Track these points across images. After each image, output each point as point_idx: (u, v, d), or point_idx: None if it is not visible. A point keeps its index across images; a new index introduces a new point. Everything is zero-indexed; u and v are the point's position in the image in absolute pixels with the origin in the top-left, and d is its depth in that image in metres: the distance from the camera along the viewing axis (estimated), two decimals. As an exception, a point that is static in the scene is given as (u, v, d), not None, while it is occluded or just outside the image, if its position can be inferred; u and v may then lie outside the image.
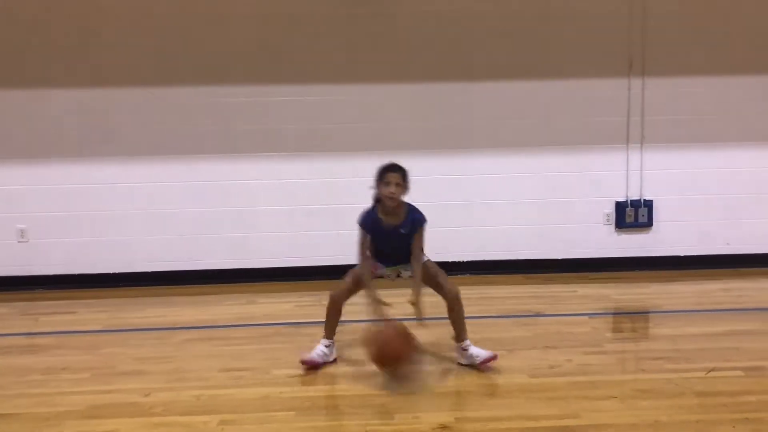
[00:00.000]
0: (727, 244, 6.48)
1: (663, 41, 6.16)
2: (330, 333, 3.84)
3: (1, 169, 6.10)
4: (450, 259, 5.91)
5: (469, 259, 6.37)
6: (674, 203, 6.42)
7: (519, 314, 5.05)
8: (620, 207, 6.38)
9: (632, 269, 6.36)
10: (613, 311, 5.31)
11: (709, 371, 3.77)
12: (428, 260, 3.80)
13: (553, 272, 6.30)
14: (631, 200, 6.38)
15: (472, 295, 5.12)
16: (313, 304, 5.11)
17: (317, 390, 3.62)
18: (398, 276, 3.85)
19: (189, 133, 6.14)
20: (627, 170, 6.37)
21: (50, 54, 5.96)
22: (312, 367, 3.77)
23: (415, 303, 3.60)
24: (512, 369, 3.84)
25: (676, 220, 6.44)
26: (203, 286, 6.10)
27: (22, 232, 6.18)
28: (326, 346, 3.84)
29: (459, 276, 5.96)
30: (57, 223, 6.17)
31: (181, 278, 6.20)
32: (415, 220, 3.71)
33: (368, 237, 3.72)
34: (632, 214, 6.38)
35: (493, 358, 3.75)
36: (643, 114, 6.30)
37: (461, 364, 3.83)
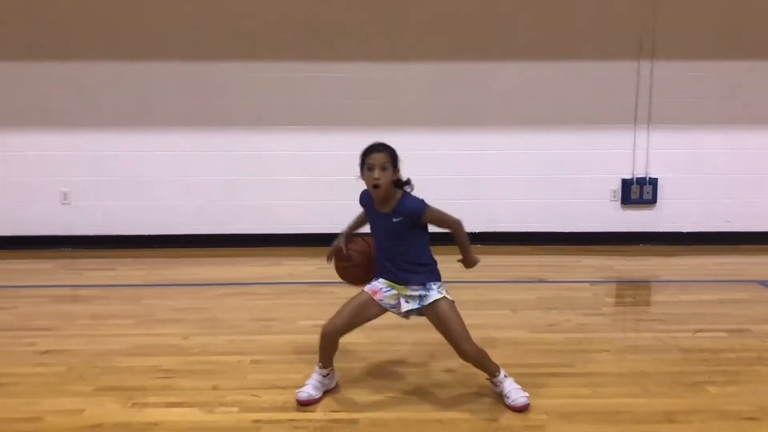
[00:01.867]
0: (728, 222, 6.74)
1: (672, 25, 6.39)
2: (327, 362, 3.10)
3: (46, 137, 6.49)
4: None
5: (481, 230, 6.66)
6: (678, 182, 6.69)
7: (524, 280, 5.37)
8: (626, 184, 6.65)
9: (636, 243, 6.66)
10: (614, 280, 5.60)
11: (696, 332, 4.08)
12: (443, 302, 2.96)
13: (560, 245, 6.61)
14: (636, 178, 6.65)
15: (483, 263, 5.43)
16: (333, 268, 5.46)
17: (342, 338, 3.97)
18: (400, 305, 3.01)
19: (220, 105, 6.49)
20: (634, 149, 6.63)
21: (92, 29, 6.31)
22: (311, 403, 3.02)
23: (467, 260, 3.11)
24: (514, 326, 4.17)
25: (680, 198, 6.71)
26: (231, 249, 6.48)
27: (64, 195, 6.58)
28: (324, 376, 3.10)
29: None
30: (97, 187, 6.57)
31: (211, 241, 6.59)
32: (410, 210, 2.96)
33: (363, 215, 3.22)
34: (637, 191, 6.65)
35: (526, 408, 2.96)
36: (651, 95, 6.54)
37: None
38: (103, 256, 6.30)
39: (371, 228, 3.14)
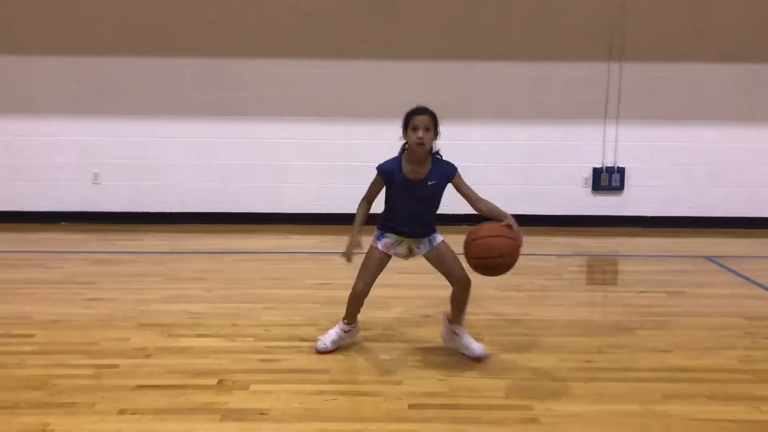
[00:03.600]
0: (689, 207, 7.35)
1: (639, 31, 6.97)
2: (351, 318, 3.39)
3: (79, 123, 7.10)
4: (449, 212, 6.85)
5: (467, 212, 7.26)
6: (643, 171, 7.29)
7: (501, 252, 5.99)
8: (596, 172, 7.26)
9: (605, 226, 7.26)
10: (579, 254, 6.22)
11: (640, 292, 4.71)
12: (444, 242, 3.32)
13: (537, 226, 7.21)
14: (606, 167, 7.26)
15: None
16: (334, 241, 6.10)
17: (341, 293, 4.59)
18: (410, 253, 3.33)
19: (234, 97, 7.10)
20: (603, 141, 7.23)
21: (123, 28, 6.92)
22: (327, 353, 3.35)
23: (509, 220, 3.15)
24: (484, 286, 4.77)
25: (645, 185, 7.31)
26: (244, 225, 7.10)
27: (95, 176, 7.21)
28: (345, 331, 3.40)
29: (456, 226, 6.88)
30: (124, 169, 7.19)
31: (225, 218, 7.21)
32: (444, 170, 3.19)
33: (381, 184, 3.24)
34: (607, 179, 7.26)
35: (483, 358, 3.30)
36: (619, 93, 7.14)
37: (443, 340, 3.49)
38: (129, 230, 6.91)
39: (397, 196, 3.22)
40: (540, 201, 7.31)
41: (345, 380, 3.14)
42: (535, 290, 4.76)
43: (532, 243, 6.53)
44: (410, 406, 2.86)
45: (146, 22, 6.91)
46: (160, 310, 4.17)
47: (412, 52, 7.02)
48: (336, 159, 7.21)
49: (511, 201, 7.22)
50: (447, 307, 3.46)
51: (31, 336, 3.66)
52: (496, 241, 3.01)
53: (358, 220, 3.27)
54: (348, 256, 3.24)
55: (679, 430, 2.69)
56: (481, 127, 7.20)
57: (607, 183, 7.27)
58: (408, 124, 3.14)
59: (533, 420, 2.74)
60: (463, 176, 3.28)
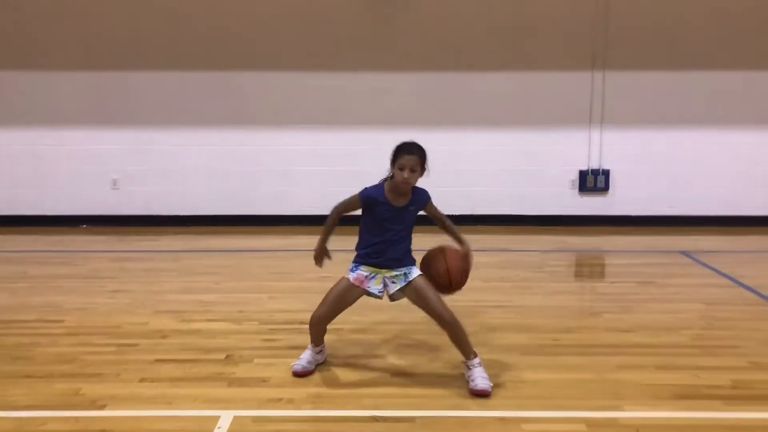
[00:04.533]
0: (670, 207, 7.67)
1: (620, 42, 7.32)
2: (318, 341, 3.32)
3: (100, 133, 7.53)
4: (445, 213, 7.23)
5: (460, 213, 7.62)
6: (627, 173, 7.62)
7: (489, 249, 6.35)
8: (583, 175, 7.60)
9: (591, 225, 7.59)
10: (562, 250, 6.55)
11: (613, 282, 5.05)
12: (421, 277, 3.16)
13: (527, 225, 7.57)
14: (591, 169, 7.60)
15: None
16: (335, 241, 6.46)
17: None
18: (384, 287, 3.20)
19: (243, 108, 7.51)
20: (589, 145, 7.58)
21: (140, 45, 7.36)
22: (306, 374, 3.22)
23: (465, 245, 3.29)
24: (471, 278, 5.15)
25: (629, 187, 7.64)
26: (252, 227, 7.49)
27: (114, 182, 7.64)
28: (317, 353, 3.32)
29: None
30: (140, 175, 7.61)
31: (235, 221, 7.60)
32: (421, 197, 3.23)
33: (356, 206, 3.21)
34: (592, 181, 7.60)
35: (485, 394, 3.00)
36: (603, 100, 7.49)
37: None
38: (145, 232, 7.32)
39: (377, 221, 3.15)
40: (529, 202, 7.66)
41: (339, 354, 3.50)
42: (518, 281, 5.11)
43: (520, 241, 6.94)
44: (393, 375, 3.22)
45: (161, 39, 7.34)
46: (174, 299, 4.57)
47: (408, 64, 7.40)
48: (337, 164, 7.60)
49: (501, 202, 7.72)
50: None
51: (62, 321, 4.06)
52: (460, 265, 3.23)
53: (326, 227, 3.31)
54: (317, 261, 3.36)
55: (625, 391, 3.04)
56: (474, 133, 7.55)
57: (592, 184, 7.61)
58: (396, 161, 3.08)
59: (499, 385, 3.09)
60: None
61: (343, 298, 3.18)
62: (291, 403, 2.93)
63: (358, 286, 3.16)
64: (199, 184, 7.64)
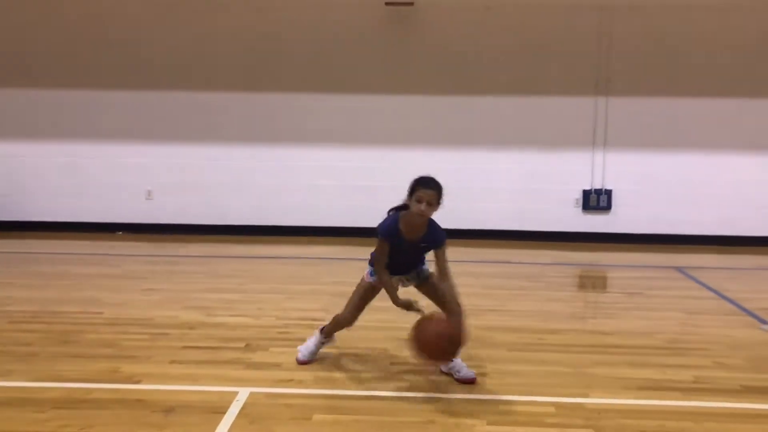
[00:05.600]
0: (670, 226, 7.96)
1: (623, 69, 7.70)
2: (330, 333, 3.55)
3: (136, 148, 8.08)
4: (454, 227, 7.61)
5: (471, 228, 8.02)
6: (629, 193, 7.95)
7: (494, 261, 6.70)
8: (586, 194, 7.94)
9: (594, 241, 7.91)
10: (561, 263, 6.87)
11: (604, 292, 5.37)
12: (433, 273, 3.33)
13: (532, 241, 7.91)
14: (594, 189, 7.93)
15: (468, 251, 6.83)
16: (351, 251, 6.88)
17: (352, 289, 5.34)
18: (400, 285, 3.40)
19: (268, 126, 8.00)
20: (592, 166, 7.93)
21: (174, 67, 7.91)
22: (307, 363, 3.48)
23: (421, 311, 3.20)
24: (471, 285, 5.51)
25: (630, 206, 7.97)
26: (275, 236, 7.94)
27: (149, 193, 8.16)
28: (322, 341, 3.55)
29: (460, 239, 7.64)
30: (174, 187, 8.12)
31: (259, 231, 8.07)
32: (436, 237, 3.20)
33: (386, 246, 3.23)
34: (595, 200, 7.93)
35: (471, 380, 3.29)
36: (606, 124, 7.85)
37: (441, 371, 3.43)
38: (177, 239, 7.81)
39: (394, 252, 3.23)
40: (535, 219, 8.01)
41: (345, 345, 3.88)
42: (515, 289, 5.46)
43: (523, 254, 7.28)
44: (391, 363, 3.60)
45: (194, 62, 7.89)
46: (201, 297, 5.00)
47: (422, 88, 7.85)
48: (357, 179, 8.03)
49: (508, 219, 8.10)
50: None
51: (101, 313, 4.51)
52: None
53: (389, 284, 3.26)
54: (407, 307, 3.24)
55: (594, 383, 3.38)
56: (483, 153, 7.95)
57: (595, 203, 7.94)
58: (414, 193, 3.11)
59: (484, 374, 3.45)
60: (445, 247, 3.24)
61: (366, 297, 3.38)
62: (301, 383, 3.32)
63: (376, 285, 3.34)
64: (226, 195, 8.12)
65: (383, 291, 3.34)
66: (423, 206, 3.08)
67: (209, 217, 8.15)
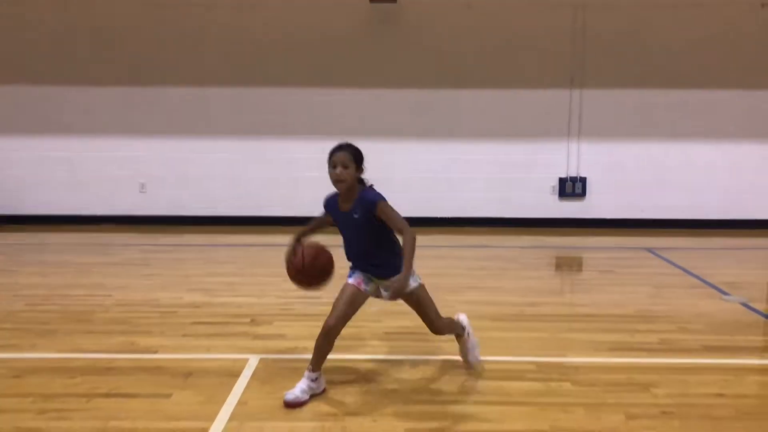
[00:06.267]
0: (642, 211, 8.37)
1: (597, 64, 8.07)
2: (317, 365, 3.04)
3: (129, 142, 8.27)
4: (437, 215, 7.97)
5: (451, 215, 8.35)
6: (602, 180, 8.33)
7: (474, 245, 7.04)
8: (562, 182, 8.31)
9: (570, 227, 8.29)
10: (538, 246, 7.23)
11: (578, 271, 5.74)
12: (421, 287, 3.11)
13: (511, 227, 8.26)
14: (570, 177, 8.31)
15: (450, 238, 7.14)
16: (335, 239, 7.16)
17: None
18: (377, 296, 3.15)
19: (257, 120, 8.24)
20: (568, 155, 8.30)
21: (166, 62, 8.12)
22: (298, 405, 2.97)
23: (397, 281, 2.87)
24: (454, 267, 5.85)
25: (604, 193, 8.35)
26: (264, 226, 8.19)
27: (142, 186, 8.36)
28: (313, 380, 3.03)
29: (443, 227, 7.97)
30: (165, 180, 8.34)
31: (249, 221, 8.32)
32: (365, 202, 2.98)
33: (326, 216, 3.23)
34: (571, 187, 8.31)
35: (470, 367, 3.36)
36: (580, 115, 8.22)
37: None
38: (171, 230, 8.03)
39: (339, 229, 3.15)
40: (514, 206, 8.36)
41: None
42: (494, 270, 5.81)
43: (503, 239, 7.63)
44: (386, 333, 3.92)
45: (186, 60, 8.10)
46: (202, 280, 5.27)
47: (404, 81, 8.15)
48: (342, 171, 8.29)
49: (489, 206, 8.45)
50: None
51: (110, 295, 4.76)
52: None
53: (300, 230, 3.33)
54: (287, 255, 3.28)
55: (571, 345, 3.73)
56: (464, 144, 8.28)
57: (571, 190, 8.31)
58: (328, 161, 3.04)
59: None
60: (388, 205, 2.99)
61: (352, 301, 3.05)
62: (305, 350, 3.61)
63: (358, 287, 3.06)
64: (217, 187, 8.36)
65: (371, 298, 3.16)
66: (338, 170, 2.99)
67: (200, 209, 8.38)
